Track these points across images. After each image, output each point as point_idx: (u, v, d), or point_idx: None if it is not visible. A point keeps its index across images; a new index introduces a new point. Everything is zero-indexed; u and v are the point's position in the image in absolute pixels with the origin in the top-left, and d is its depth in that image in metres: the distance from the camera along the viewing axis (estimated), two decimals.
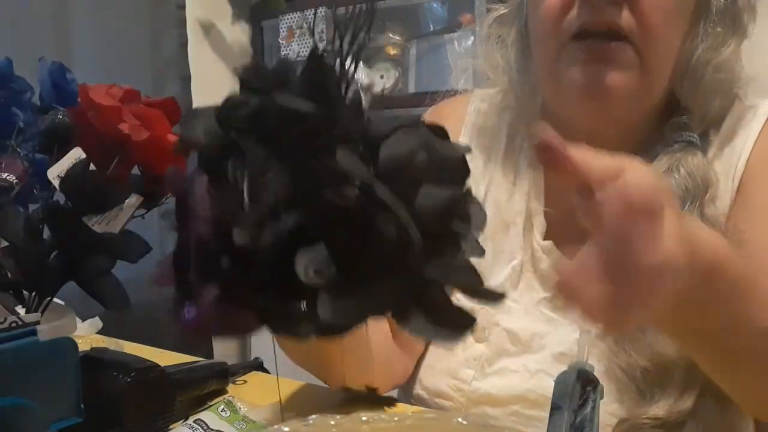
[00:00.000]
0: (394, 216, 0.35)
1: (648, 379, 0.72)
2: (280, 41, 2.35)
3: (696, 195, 0.74)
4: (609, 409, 0.73)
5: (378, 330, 0.83)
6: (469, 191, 0.38)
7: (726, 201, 0.75)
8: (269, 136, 0.36)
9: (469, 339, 0.82)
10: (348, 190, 0.35)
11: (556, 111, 0.81)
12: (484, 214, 0.39)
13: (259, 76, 0.37)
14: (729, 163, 0.77)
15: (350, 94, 0.38)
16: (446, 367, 0.83)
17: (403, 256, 0.35)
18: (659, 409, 0.71)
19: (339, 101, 0.37)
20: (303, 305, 0.35)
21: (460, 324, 0.37)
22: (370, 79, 1.94)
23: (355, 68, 0.38)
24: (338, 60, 0.37)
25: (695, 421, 0.71)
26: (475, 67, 0.93)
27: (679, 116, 0.78)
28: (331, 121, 0.36)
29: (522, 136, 0.89)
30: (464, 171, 0.38)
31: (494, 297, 0.38)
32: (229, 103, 0.37)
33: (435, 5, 2.20)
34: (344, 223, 0.35)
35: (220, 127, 0.37)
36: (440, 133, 0.38)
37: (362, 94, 0.38)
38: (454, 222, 0.37)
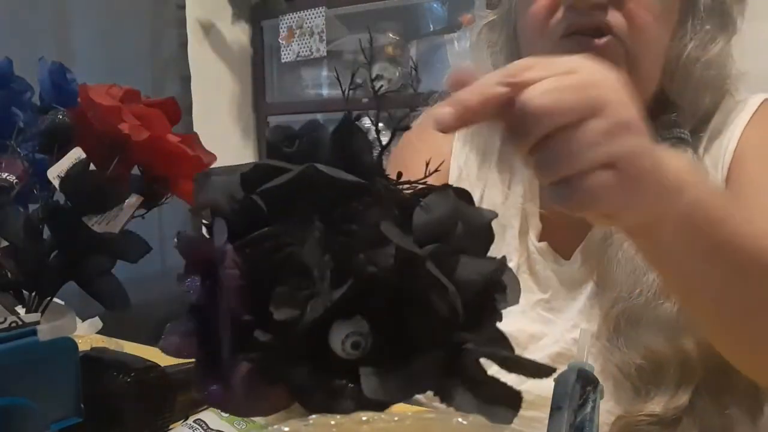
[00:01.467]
0: (443, 289, 0.34)
1: (643, 376, 0.72)
2: (280, 41, 2.35)
3: None
4: (605, 407, 0.73)
5: None
6: (504, 261, 0.38)
7: None
8: (305, 205, 0.34)
9: None
10: (386, 260, 0.33)
11: None
12: (518, 282, 0.38)
13: (289, 141, 0.36)
14: (717, 155, 0.78)
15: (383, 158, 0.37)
16: None
17: (446, 330, 0.34)
18: (655, 405, 0.71)
19: (371, 167, 0.36)
20: (344, 382, 0.33)
21: (505, 399, 0.36)
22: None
23: (392, 137, 0.37)
24: (372, 124, 0.36)
25: (691, 418, 0.72)
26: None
27: (669, 113, 0.79)
28: (366, 187, 0.35)
29: None
30: (491, 237, 0.38)
31: (539, 371, 0.37)
32: (260, 170, 0.35)
33: (435, 5, 2.20)
34: (384, 295, 0.34)
35: (245, 193, 0.35)
36: (467, 198, 0.38)
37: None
38: (494, 295, 0.37)
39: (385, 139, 0.37)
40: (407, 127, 0.38)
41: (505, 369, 0.37)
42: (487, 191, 0.87)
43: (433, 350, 0.35)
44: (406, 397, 0.34)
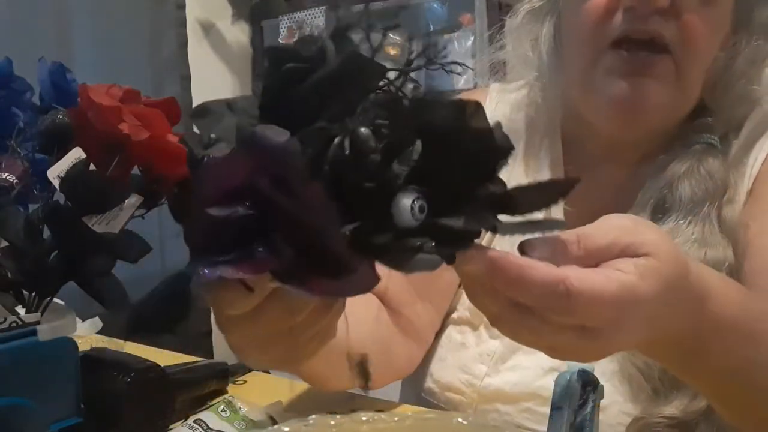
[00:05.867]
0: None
1: (665, 379, 0.72)
2: (280, 41, 2.35)
3: (715, 196, 0.74)
4: (623, 408, 0.73)
5: (374, 318, 0.83)
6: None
7: (741, 203, 0.76)
8: (349, 93, 0.38)
9: (483, 335, 0.83)
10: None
11: (583, 113, 0.81)
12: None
13: (290, 58, 0.38)
14: (746, 166, 0.78)
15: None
16: (458, 361, 0.83)
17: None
18: (674, 408, 0.71)
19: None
20: (425, 238, 0.36)
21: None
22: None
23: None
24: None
25: (709, 423, 0.71)
26: (476, 66, 0.92)
27: (703, 119, 0.79)
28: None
29: (542, 132, 0.88)
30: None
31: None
32: (282, 75, 0.37)
33: (435, 5, 2.20)
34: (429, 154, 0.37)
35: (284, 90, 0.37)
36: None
37: None
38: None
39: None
40: (398, 25, 0.41)
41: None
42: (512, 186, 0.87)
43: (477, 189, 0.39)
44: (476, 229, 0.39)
